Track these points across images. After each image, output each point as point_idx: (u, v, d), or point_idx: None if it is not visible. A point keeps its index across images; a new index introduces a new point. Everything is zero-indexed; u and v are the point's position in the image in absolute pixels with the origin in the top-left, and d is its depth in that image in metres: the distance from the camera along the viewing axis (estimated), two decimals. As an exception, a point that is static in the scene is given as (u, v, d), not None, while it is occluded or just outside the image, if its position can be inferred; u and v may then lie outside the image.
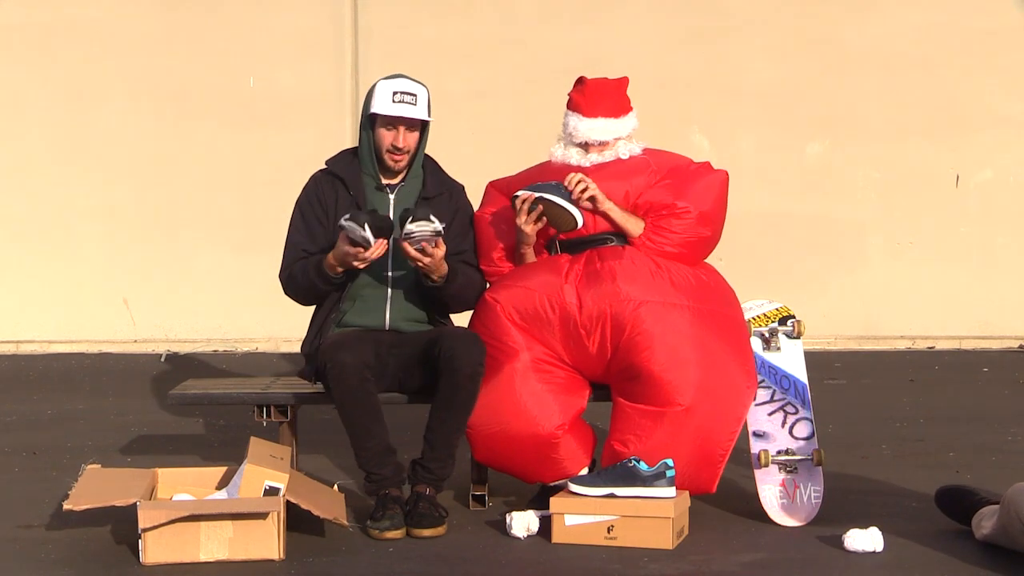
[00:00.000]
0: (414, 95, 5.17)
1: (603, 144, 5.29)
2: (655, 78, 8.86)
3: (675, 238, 5.18)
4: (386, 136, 5.19)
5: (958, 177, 9.15)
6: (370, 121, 5.23)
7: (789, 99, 9.08)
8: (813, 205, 9.14)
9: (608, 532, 4.82)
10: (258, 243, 8.73)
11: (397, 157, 5.21)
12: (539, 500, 5.26)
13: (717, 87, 9.06)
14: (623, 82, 5.38)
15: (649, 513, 4.80)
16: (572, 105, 5.33)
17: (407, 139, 5.19)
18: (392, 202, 5.26)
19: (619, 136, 5.30)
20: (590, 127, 5.28)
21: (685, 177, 5.27)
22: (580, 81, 5.36)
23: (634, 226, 5.18)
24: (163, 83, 9.10)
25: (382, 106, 5.15)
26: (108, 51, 9.09)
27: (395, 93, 5.15)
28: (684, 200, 5.20)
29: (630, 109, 5.35)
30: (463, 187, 5.42)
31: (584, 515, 4.85)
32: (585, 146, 5.30)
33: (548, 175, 5.27)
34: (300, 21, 9.15)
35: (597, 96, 5.31)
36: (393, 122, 5.18)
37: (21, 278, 9.13)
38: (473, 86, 9.01)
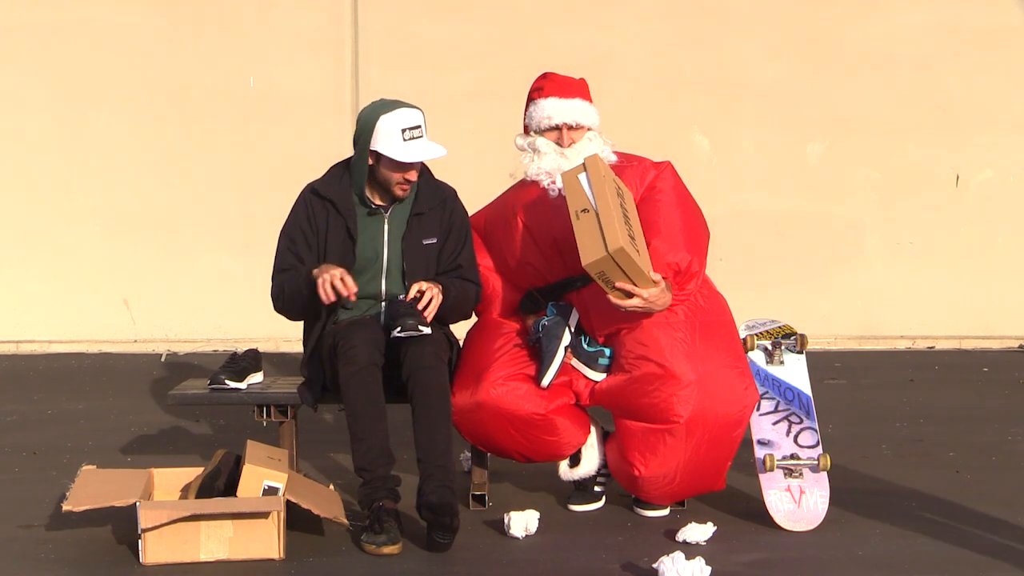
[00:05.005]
0: (420, 126, 5.12)
1: (579, 128, 5.26)
2: (655, 78, 8.85)
3: (682, 295, 5.16)
4: (397, 174, 5.15)
5: (958, 177, 9.15)
6: (375, 155, 5.14)
7: (789, 99, 9.08)
8: (813, 205, 9.14)
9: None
10: (258, 243, 8.70)
11: (408, 184, 5.20)
12: (579, 496, 5.32)
13: (717, 87, 9.05)
14: (584, 80, 5.39)
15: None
16: (545, 93, 5.29)
17: (418, 170, 5.20)
18: (386, 223, 5.23)
19: (592, 126, 5.29)
20: (570, 107, 5.26)
21: (657, 212, 5.20)
22: (545, 75, 5.36)
23: (665, 302, 5.07)
24: (163, 83, 9.09)
25: (395, 148, 5.08)
26: (108, 51, 9.08)
27: (404, 131, 5.08)
28: (684, 252, 5.13)
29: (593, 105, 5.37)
30: (455, 191, 5.37)
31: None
32: (558, 131, 5.26)
33: (527, 197, 5.26)
34: (300, 21, 9.14)
35: (569, 83, 5.33)
36: (408, 167, 5.13)
37: (21, 278, 9.12)
38: (473, 86, 9.01)
